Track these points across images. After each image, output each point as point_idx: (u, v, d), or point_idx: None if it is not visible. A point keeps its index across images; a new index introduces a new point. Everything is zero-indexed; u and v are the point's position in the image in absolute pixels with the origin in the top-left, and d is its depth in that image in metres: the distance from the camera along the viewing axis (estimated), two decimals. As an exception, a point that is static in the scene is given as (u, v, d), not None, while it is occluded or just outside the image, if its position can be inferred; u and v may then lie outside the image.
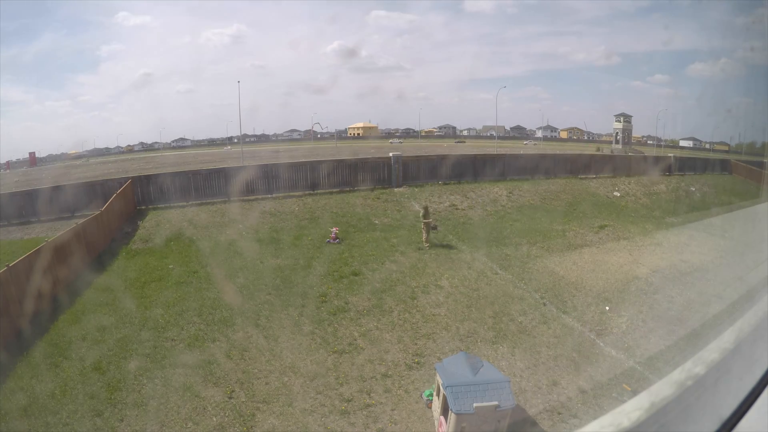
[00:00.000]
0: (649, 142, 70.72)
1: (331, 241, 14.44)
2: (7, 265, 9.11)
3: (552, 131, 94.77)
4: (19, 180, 36.82)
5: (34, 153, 70.71)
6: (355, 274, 11.82)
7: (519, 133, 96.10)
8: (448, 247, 14.22)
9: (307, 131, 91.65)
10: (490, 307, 10.17)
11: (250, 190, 18.99)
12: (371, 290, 10.91)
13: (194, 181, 18.74)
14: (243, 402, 7.21)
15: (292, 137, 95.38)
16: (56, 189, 18.14)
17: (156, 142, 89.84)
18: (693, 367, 1.21)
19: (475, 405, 5.78)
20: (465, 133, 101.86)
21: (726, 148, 61.70)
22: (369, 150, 40.03)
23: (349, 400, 7.20)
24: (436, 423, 6.53)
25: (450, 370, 6.35)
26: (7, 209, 16.98)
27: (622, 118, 60.14)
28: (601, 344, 8.78)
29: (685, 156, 33.11)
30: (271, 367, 8.07)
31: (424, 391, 7.29)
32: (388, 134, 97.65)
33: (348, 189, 20.08)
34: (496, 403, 5.83)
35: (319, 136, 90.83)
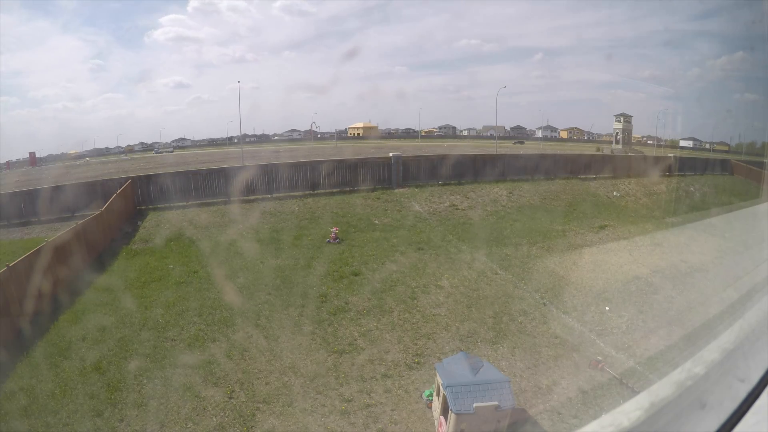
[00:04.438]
0: (649, 142, 70.65)
1: (332, 241, 14.44)
2: (7, 265, 9.11)
3: (552, 131, 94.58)
4: (19, 180, 36.81)
5: (34, 153, 70.38)
6: (356, 274, 11.82)
7: (519, 133, 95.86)
8: (448, 247, 14.22)
9: (307, 131, 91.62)
10: (490, 307, 10.18)
11: (250, 190, 18.99)
12: (371, 290, 10.91)
13: (194, 181, 18.75)
14: (243, 402, 7.21)
15: (292, 137, 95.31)
16: (56, 189, 18.13)
17: (156, 142, 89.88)
18: (693, 367, 1.21)
19: (475, 405, 5.78)
20: (465, 133, 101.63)
21: (726, 148, 61.59)
22: (369, 150, 40.01)
23: (349, 400, 7.20)
24: (436, 423, 6.53)
25: (450, 370, 6.35)
26: (7, 209, 16.98)
27: (622, 118, 60.00)
28: (602, 344, 8.78)
29: (685, 156, 33.03)
30: (271, 367, 8.08)
31: (424, 391, 7.29)
32: (389, 134, 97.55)
33: (348, 189, 20.07)
34: (496, 403, 5.84)
35: (319, 136, 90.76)
